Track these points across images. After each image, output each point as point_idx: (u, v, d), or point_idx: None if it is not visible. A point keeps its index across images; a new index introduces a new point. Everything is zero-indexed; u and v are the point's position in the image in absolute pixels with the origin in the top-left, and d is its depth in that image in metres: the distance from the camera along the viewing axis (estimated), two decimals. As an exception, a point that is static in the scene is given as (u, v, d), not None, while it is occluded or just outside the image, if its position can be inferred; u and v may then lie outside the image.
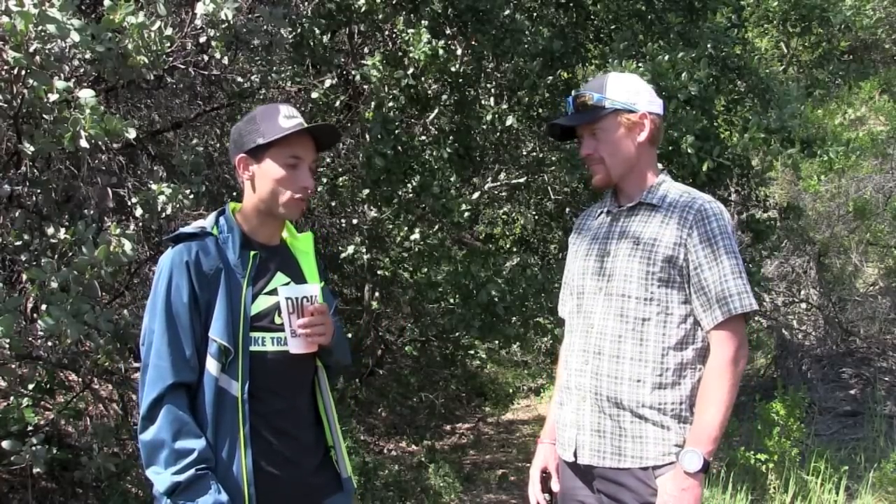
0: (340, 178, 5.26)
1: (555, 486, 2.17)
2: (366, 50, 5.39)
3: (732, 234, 1.96)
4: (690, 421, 1.93)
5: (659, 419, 1.93)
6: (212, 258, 1.77)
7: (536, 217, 7.07)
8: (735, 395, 1.91)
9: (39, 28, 2.54)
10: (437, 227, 5.45)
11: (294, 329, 1.80)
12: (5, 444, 2.82)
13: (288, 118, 1.81)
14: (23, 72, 2.65)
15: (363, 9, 4.45)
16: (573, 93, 2.12)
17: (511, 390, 8.81)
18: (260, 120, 1.83)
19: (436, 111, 5.25)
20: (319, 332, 1.83)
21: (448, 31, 4.85)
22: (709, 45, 4.80)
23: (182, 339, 1.72)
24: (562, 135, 2.22)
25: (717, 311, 1.90)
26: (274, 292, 1.84)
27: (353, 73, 4.71)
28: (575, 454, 2.03)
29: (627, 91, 2.03)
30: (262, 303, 1.81)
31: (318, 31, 4.31)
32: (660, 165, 2.14)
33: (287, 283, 1.87)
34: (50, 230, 2.89)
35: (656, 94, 2.12)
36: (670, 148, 4.18)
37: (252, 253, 1.82)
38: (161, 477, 1.65)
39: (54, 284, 2.65)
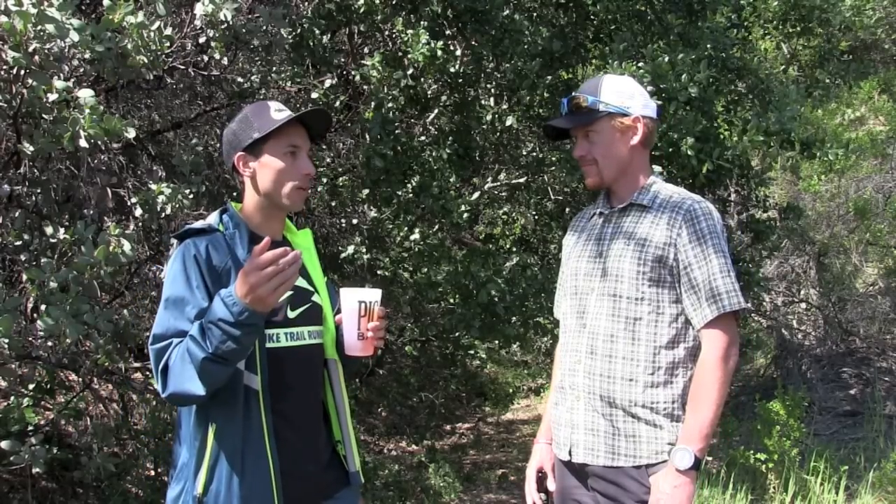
0: (340, 178, 5.26)
1: (551, 485, 2.19)
2: (366, 50, 5.39)
3: (722, 233, 1.98)
4: (683, 419, 1.95)
5: (651, 418, 1.95)
6: (222, 253, 1.77)
7: (536, 217, 7.07)
8: (726, 392, 1.93)
9: (38, 28, 2.55)
10: (436, 227, 5.45)
11: (363, 332, 1.81)
12: (5, 444, 2.82)
13: (279, 111, 1.84)
14: (22, 71, 2.66)
15: (363, 9, 4.45)
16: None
17: (511, 390, 8.81)
18: (252, 117, 1.84)
19: (435, 111, 5.25)
20: (383, 335, 1.87)
21: (447, 32, 4.84)
22: (708, 46, 4.80)
23: (182, 307, 1.69)
24: (556, 135, 2.26)
25: (707, 310, 1.92)
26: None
27: (352, 73, 4.71)
28: (570, 453, 2.05)
29: (621, 94, 2.05)
30: None
31: (317, 32, 4.31)
32: (657, 168, 2.16)
33: (298, 283, 1.86)
34: (49, 230, 2.89)
35: (656, 96, 2.14)
36: (670, 150, 4.17)
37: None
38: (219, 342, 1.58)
39: (53, 284, 2.66)
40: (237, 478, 1.70)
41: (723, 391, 1.90)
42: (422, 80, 4.70)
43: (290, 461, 1.79)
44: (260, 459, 1.72)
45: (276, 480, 1.73)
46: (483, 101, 5.50)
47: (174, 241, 1.83)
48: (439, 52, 4.27)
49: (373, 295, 1.83)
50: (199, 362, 1.58)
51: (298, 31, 4.19)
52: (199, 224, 1.84)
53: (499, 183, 6.52)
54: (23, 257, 3.05)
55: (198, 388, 1.61)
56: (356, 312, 1.81)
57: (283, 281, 1.56)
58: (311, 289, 1.92)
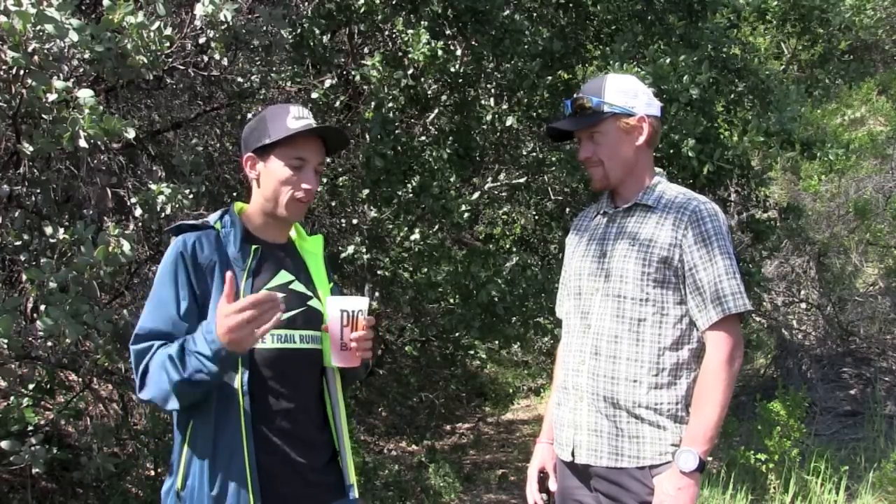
0: (340, 178, 5.26)
1: (552, 485, 2.18)
2: (366, 50, 5.39)
3: (727, 234, 1.97)
4: (686, 420, 1.94)
5: (655, 419, 1.94)
6: (209, 250, 1.76)
7: (536, 217, 7.07)
8: (731, 394, 1.92)
9: (38, 28, 2.55)
10: (437, 227, 5.45)
11: (346, 342, 1.76)
12: (5, 444, 2.82)
13: (297, 119, 1.80)
14: (21, 72, 2.66)
15: (363, 9, 4.45)
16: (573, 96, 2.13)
17: (511, 390, 8.81)
18: (269, 119, 1.82)
19: (436, 111, 5.25)
20: (369, 346, 1.81)
21: (447, 32, 4.84)
22: (709, 47, 4.79)
23: (165, 308, 1.70)
24: (560, 136, 2.24)
25: (712, 312, 1.91)
26: (277, 289, 1.80)
27: (353, 73, 4.70)
28: (572, 454, 2.04)
29: (626, 94, 2.03)
30: None
31: (318, 31, 4.31)
32: (658, 168, 2.15)
33: (289, 285, 1.84)
34: (49, 230, 2.89)
35: (656, 96, 2.12)
36: (671, 150, 4.17)
37: (253, 247, 1.81)
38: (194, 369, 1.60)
39: (53, 284, 2.66)
40: (208, 474, 1.69)
41: (727, 393, 1.89)
42: (422, 80, 4.70)
43: (276, 464, 1.76)
44: (234, 457, 1.69)
45: (251, 479, 1.69)
46: (483, 101, 5.50)
47: (172, 235, 1.83)
48: (439, 52, 4.27)
49: (357, 304, 1.77)
50: (174, 383, 1.61)
51: (298, 31, 4.19)
52: (194, 221, 1.84)
53: (499, 183, 6.51)
54: (23, 257, 3.05)
55: (172, 403, 1.64)
56: (339, 322, 1.75)
57: (260, 325, 1.55)
58: (308, 293, 1.89)
